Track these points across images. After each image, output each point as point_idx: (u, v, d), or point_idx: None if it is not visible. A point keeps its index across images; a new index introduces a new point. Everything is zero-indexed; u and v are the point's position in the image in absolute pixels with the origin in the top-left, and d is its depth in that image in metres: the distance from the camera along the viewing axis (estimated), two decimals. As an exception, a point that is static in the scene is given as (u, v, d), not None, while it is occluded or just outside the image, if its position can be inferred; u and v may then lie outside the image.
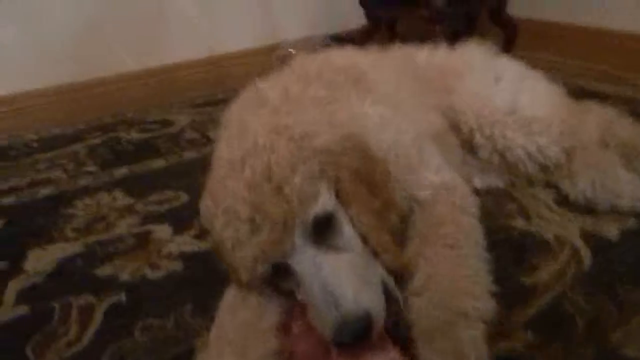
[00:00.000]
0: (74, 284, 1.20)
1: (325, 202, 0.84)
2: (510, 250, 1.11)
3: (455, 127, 1.32)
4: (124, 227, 1.42)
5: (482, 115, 1.28)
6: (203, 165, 1.72)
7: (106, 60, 2.44)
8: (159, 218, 1.44)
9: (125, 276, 1.20)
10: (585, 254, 1.07)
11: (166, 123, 2.23)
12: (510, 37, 2.18)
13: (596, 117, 1.36)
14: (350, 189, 0.87)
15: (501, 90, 1.32)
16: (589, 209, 1.20)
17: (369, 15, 2.27)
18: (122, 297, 1.14)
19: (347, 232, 0.86)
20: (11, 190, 1.73)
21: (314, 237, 0.82)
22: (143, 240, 1.34)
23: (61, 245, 1.37)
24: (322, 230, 0.83)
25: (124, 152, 1.97)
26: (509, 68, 1.40)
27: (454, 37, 2.07)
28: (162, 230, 1.38)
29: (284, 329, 0.88)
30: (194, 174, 1.69)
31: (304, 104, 1.01)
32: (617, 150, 1.28)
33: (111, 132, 2.17)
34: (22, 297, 1.18)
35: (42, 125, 2.28)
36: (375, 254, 0.86)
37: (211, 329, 0.93)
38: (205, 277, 1.14)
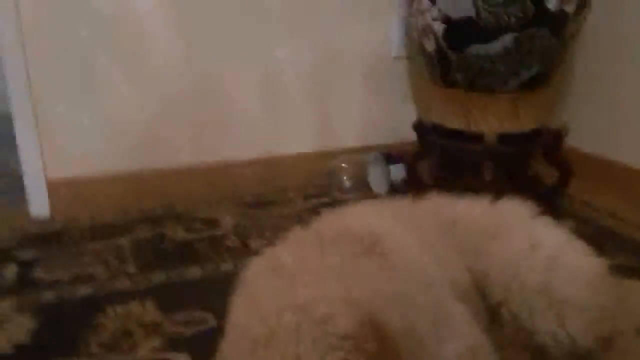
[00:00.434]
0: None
1: None
2: None
3: (482, 292, 1.27)
4: (147, 349, 1.42)
5: (509, 289, 1.22)
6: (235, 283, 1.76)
7: (164, 152, 2.55)
8: (181, 344, 1.44)
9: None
10: None
11: (212, 223, 2.27)
12: (565, 177, 2.13)
13: (640, 300, 1.27)
14: None
15: (534, 262, 1.25)
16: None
17: (420, 140, 2.28)
18: None
19: None
20: (53, 285, 1.79)
21: None
22: (160, 371, 1.34)
23: (84, 363, 1.38)
24: None
25: (165, 252, 2.02)
26: (548, 236, 1.32)
27: (505, 178, 2.05)
28: (180, 361, 1.37)
29: None
30: (225, 292, 1.71)
31: (320, 275, 1.01)
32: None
33: (158, 227, 2.24)
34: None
35: (98, 212, 2.38)
36: None
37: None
38: None
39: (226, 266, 1.90)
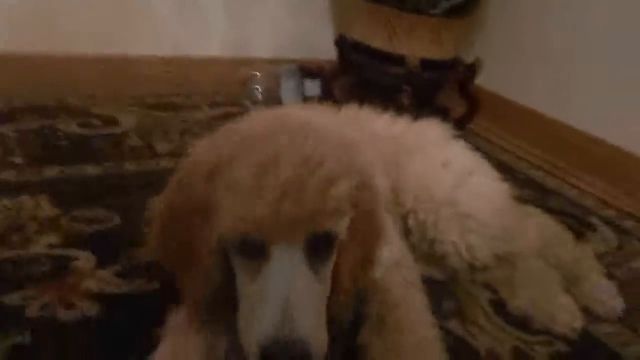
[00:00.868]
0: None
1: (342, 227, 0.83)
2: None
3: (395, 202, 1.30)
4: (42, 245, 1.30)
5: (419, 199, 1.27)
6: (142, 184, 1.65)
7: (57, 37, 2.27)
8: (83, 241, 1.33)
9: (33, 311, 1.09)
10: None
11: (111, 121, 2.10)
12: (471, 111, 2.21)
13: (538, 228, 1.38)
14: (353, 227, 0.86)
15: (444, 178, 1.30)
16: (523, 323, 1.21)
17: (340, 56, 2.23)
18: (26, 337, 1.03)
19: (330, 265, 0.86)
20: None
21: (310, 248, 0.80)
22: (61, 268, 1.22)
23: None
24: (317, 249, 0.81)
25: (58, 147, 1.83)
26: (461, 156, 1.39)
27: (419, 102, 2.08)
28: (84, 259, 1.27)
29: None
30: (130, 192, 1.60)
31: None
32: (556, 270, 1.30)
33: (48, 119, 2.02)
34: None
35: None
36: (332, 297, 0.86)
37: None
38: (125, 328, 1.06)
39: (129, 165, 1.77)
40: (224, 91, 2.52)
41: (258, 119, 0.97)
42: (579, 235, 1.53)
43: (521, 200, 1.54)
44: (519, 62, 2.43)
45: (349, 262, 0.89)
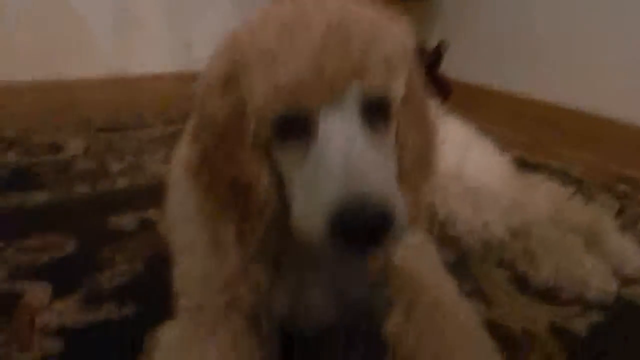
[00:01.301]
0: None
1: (397, 92, 0.70)
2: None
3: None
4: (-16, 282, 1.09)
5: None
6: (98, 207, 1.46)
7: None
8: (34, 272, 1.13)
9: (-20, 359, 0.89)
10: (557, 355, 0.93)
11: (54, 148, 1.89)
12: (444, 96, 2.12)
13: (548, 194, 1.27)
14: (408, 106, 0.73)
15: (449, 151, 1.17)
16: (552, 296, 1.08)
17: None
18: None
19: (391, 140, 0.71)
20: None
21: (364, 115, 0.66)
22: (10, 305, 1.02)
23: None
24: (372, 119, 0.67)
25: (-5, 179, 1.62)
26: (456, 131, 1.27)
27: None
28: (36, 291, 1.06)
29: None
30: (86, 216, 1.40)
31: None
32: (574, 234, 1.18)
33: (-18, 152, 1.80)
34: None
35: None
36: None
37: None
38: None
39: (82, 188, 1.57)
40: (175, 107, 2.34)
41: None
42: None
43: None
44: (481, 44, 2.37)
45: (410, 150, 0.74)
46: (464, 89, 2.35)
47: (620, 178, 1.77)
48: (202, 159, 0.72)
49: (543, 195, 1.25)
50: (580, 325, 1.01)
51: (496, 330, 0.99)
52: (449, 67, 2.34)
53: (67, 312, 1.00)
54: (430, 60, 2.10)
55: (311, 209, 0.63)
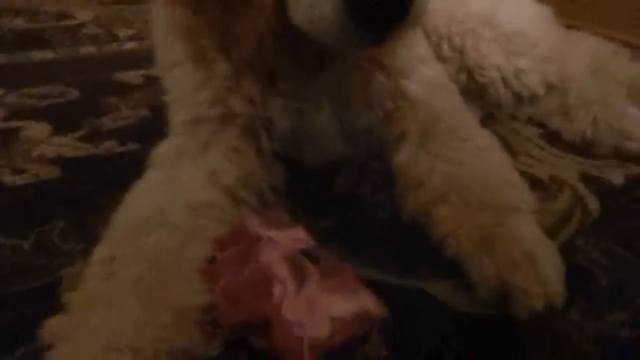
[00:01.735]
0: None
1: None
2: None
3: (425, 33, 1.06)
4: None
5: (453, 19, 1.02)
6: (104, 64, 1.39)
7: None
8: (35, 114, 1.07)
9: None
10: (590, 199, 0.85)
11: (63, 16, 1.80)
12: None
13: (589, 47, 1.14)
14: None
15: None
16: (585, 150, 0.99)
17: None
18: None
19: None
20: None
21: None
22: (7, 138, 0.97)
23: None
24: None
25: (2, 39, 1.54)
26: None
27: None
28: (36, 128, 1.01)
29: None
30: (91, 72, 1.33)
31: None
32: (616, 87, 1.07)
33: (-11, 17, 1.72)
34: None
35: None
36: None
37: (93, 252, 0.59)
38: (88, 190, 0.82)
39: (88, 49, 1.50)
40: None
41: None
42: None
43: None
44: None
45: None
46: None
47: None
48: None
49: (585, 49, 1.12)
50: (615, 176, 0.92)
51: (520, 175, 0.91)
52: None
53: (66, 145, 0.95)
54: None
55: None
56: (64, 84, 1.22)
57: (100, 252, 0.57)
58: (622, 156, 0.96)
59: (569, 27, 1.21)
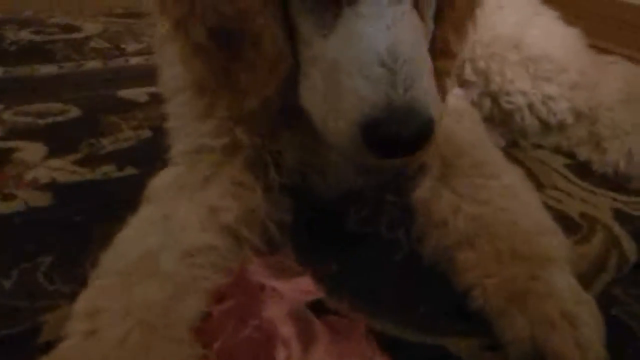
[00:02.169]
0: None
1: None
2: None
3: None
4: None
5: (478, 41, 0.96)
6: (108, 80, 1.34)
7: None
8: (31, 134, 1.02)
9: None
10: (626, 241, 0.78)
11: (70, 29, 1.76)
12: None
13: (622, 71, 1.07)
14: None
15: (505, 19, 1.00)
16: (618, 185, 0.92)
17: None
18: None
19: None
20: None
21: None
22: (1, 161, 0.92)
23: None
24: None
25: (4, 52, 1.50)
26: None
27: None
28: (30, 149, 0.96)
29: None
30: (94, 88, 1.28)
31: None
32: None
33: (-7, 29, 1.68)
34: None
35: None
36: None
37: (79, 299, 0.52)
38: (80, 221, 0.76)
39: (94, 64, 1.45)
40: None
41: None
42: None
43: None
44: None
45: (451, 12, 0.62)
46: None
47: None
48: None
49: (616, 74, 1.05)
50: (650, 214, 0.85)
51: (549, 212, 0.84)
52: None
53: (62, 169, 0.90)
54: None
55: (333, 106, 0.52)
56: (64, 101, 1.17)
57: (83, 302, 0.51)
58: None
59: (599, 50, 1.15)
